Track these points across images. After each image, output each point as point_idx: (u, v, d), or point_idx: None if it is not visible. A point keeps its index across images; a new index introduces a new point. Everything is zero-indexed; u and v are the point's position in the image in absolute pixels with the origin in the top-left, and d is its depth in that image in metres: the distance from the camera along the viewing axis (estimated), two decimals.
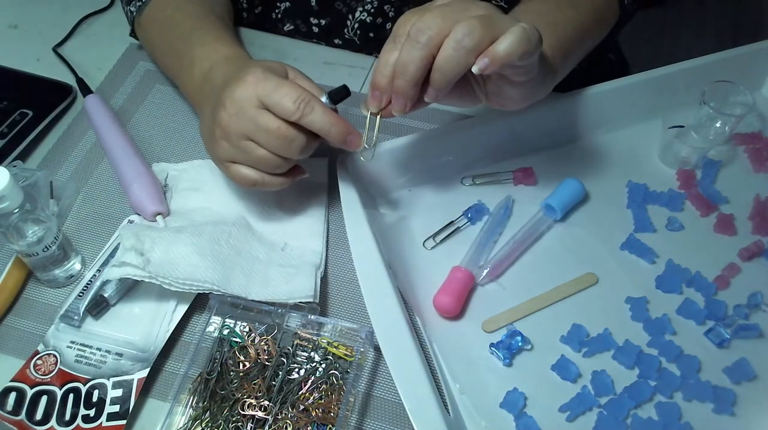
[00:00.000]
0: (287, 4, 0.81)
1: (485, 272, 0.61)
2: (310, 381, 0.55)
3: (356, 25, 0.79)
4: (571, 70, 0.91)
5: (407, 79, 0.50)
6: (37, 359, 0.57)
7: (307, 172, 0.61)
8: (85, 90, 0.75)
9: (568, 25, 0.63)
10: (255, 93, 0.53)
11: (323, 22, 0.81)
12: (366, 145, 0.56)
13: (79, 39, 0.85)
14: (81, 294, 0.60)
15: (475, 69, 0.48)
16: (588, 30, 0.66)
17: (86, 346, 0.58)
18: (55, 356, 0.57)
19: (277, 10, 0.83)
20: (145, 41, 0.76)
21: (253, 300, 0.57)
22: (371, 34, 0.80)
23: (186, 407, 0.54)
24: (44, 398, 0.55)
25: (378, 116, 0.55)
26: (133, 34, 0.78)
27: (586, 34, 0.66)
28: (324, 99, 0.56)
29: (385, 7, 0.78)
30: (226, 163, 0.58)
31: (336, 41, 0.83)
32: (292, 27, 0.83)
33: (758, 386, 0.56)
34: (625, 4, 0.71)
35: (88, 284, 0.60)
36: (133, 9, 0.75)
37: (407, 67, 0.49)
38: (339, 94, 0.56)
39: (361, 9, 0.78)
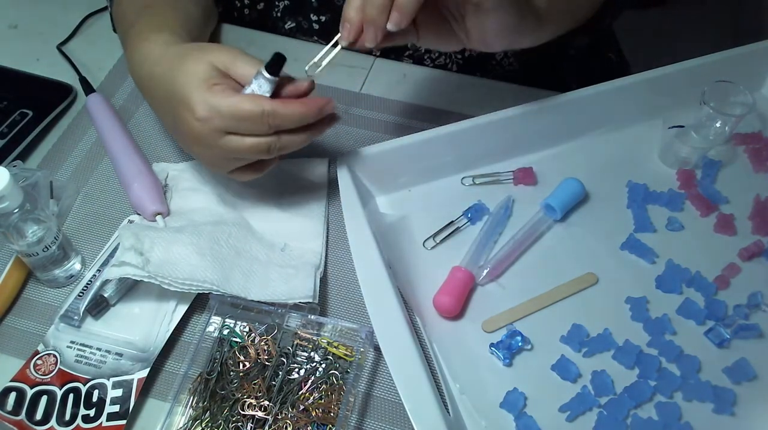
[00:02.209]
0: (286, 2, 0.81)
1: (485, 272, 0.61)
2: (310, 381, 0.55)
3: None
4: (571, 70, 0.91)
5: (376, 6, 0.50)
6: (37, 359, 0.57)
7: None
8: (88, 89, 0.75)
9: None
10: (216, 128, 0.53)
11: (323, 18, 0.81)
12: (315, 62, 0.56)
13: (80, 38, 0.85)
14: (81, 294, 0.60)
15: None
16: None
17: (86, 346, 0.58)
18: (55, 356, 0.57)
19: (276, 9, 0.83)
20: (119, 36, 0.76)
21: (252, 300, 0.57)
22: None
23: (186, 407, 0.54)
24: (44, 398, 0.55)
25: (337, 47, 0.54)
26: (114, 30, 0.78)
27: None
28: (262, 74, 0.53)
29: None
30: (228, 174, 0.59)
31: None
32: (293, 25, 0.83)
33: (758, 386, 0.56)
34: None
35: (88, 284, 0.60)
36: (108, 2, 0.74)
37: None
38: (276, 65, 0.53)
39: None
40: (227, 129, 0.53)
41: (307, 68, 0.56)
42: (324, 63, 0.56)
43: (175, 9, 0.69)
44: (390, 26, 0.51)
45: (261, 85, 0.53)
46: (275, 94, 0.54)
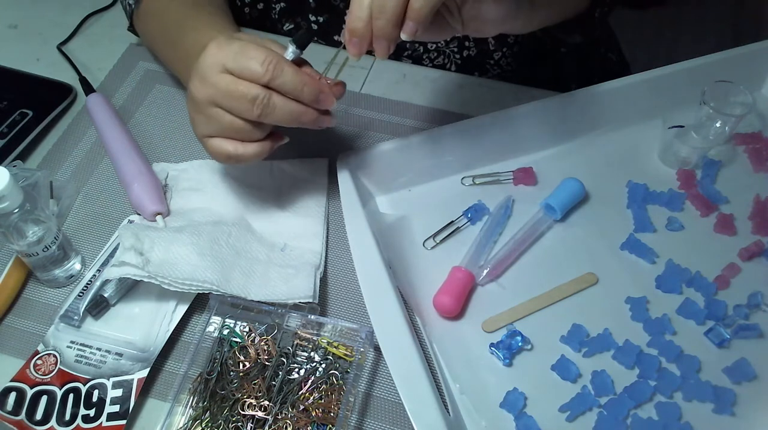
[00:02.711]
0: (282, 4, 0.82)
1: (485, 272, 0.61)
2: (310, 381, 0.55)
3: None
4: (571, 70, 0.91)
5: (387, 18, 0.47)
6: (37, 359, 0.57)
7: (286, 138, 0.58)
8: (88, 89, 0.75)
9: None
10: (217, 59, 0.52)
11: (321, 19, 0.81)
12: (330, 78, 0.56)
13: (80, 38, 0.85)
14: (81, 294, 0.60)
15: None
16: None
17: (86, 346, 0.58)
18: (55, 356, 0.57)
19: (273, 11, 0.83)
20: (143, 34, 0.76)
21: (252, 300, 0.57)
22: None
23: (186, 407, 0.54)
24: (44, 398, 0.55)
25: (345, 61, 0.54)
26: (131, 28, 0.78)
27: None
28: (291, 49, 0.53)
29: None
30: (203, 139, 0.56)
31: (336, 38, 0.83)
32: (292, 26, 0.83)
33: (758, 386, 0.56)
34: None
35: (88, 284, 0.60)
36: (131, 2, 0.75)
37: (386, 5, 0.47)
38: (303, 38, 0.53)
39: None
40: (229, 64, 0.51)
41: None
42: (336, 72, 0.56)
43: (225, 11, 0.72)
44: (404, 36, 0.49)
45: (287, 53, 0.54)
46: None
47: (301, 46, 0.53)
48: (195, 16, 0.67)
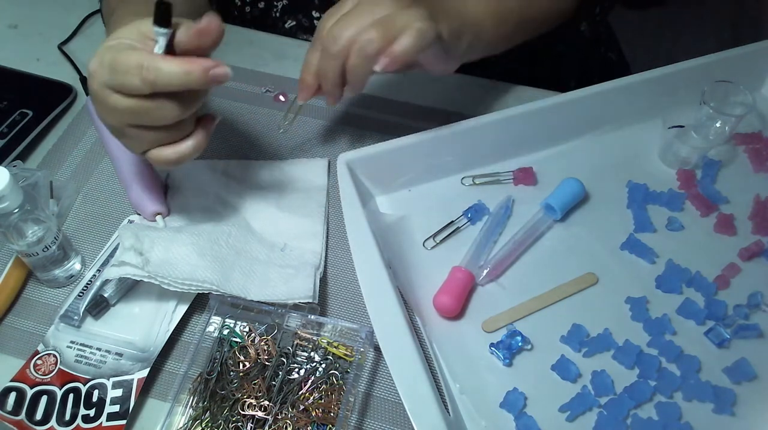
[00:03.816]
0: (284, 1, 0.81)
1: (485, 272, 0.61)
2: (310, 381, 0.55)
3: None
4: (571, 70, 0.91)
5: (329, 84, 0.57)
6: (37, 359, 0.57)
7: (218, 116, 0.56)
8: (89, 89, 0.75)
9: None
10: (101, 82, 0.49)
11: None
12: (286, 124, 0.66)
13: (80, 38, 0.85)
14: (81, 294, 0.60)
15: (377, 68, 0.53)
16: (533, 3, 0.69)
17: (86, 346, 0.58)
18: (55, 356, 0.57)
19: (275, 9, 0.83)
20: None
21: (252, 300, 0.57)
22: None
23: (186, 407, 0.54)
24: (44, 398, 0.55)
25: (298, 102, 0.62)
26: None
27: (530, 8, 0.69)
28: (159, 36, 0.48)
29: None
30: (143, 155, 0.54)
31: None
32: (294, 23, 0.83)
33: (758, 386, 0.56)
34: None
35: (88, 284, 0.60)
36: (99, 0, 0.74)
37: (327, 75, 0.56)
38: (163, 15, 0.48)
39: None
40: (108, 83, 0.49)
41: (281, 130, 0.66)
42: (293, 119, 0.67)
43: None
44: (347, 94, 0.58)
45: (157, 43, 0.48)
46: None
47: (165, 24, 0.48)
48: (127, 4, 0.63)
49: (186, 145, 0.54)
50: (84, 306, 0.58)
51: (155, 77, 0.47)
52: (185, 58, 0.48)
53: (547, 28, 0.74)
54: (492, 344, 0.58)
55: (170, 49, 0.49)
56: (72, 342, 0.58)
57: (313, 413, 0.53)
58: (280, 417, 0.53)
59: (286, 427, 0.53)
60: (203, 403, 0.54)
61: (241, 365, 0.56)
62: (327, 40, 0.55)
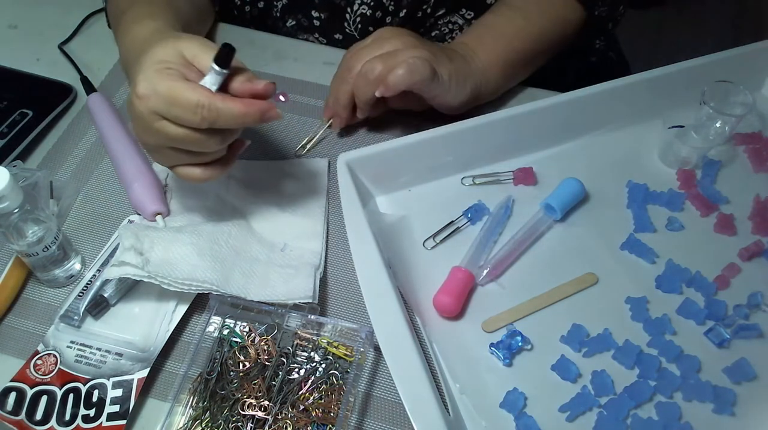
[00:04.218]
0: (284, 1, 0.81)
1: (485, 272, 0.61)
2: (310, 381, 0.55)
3: (358, 19, 0.80)
4: (571, 70, 0.91)
5: (340, 106, 0.69)
6: (37, 359, 0.57)
7: (248, 142, 0.59)
8: (89, 88, 0.75)
9: (515, 37, 0.73)
10: (151, 109, 0.51)
11: (323, 15, 0.81)
12: (300, 149, 0.72)
13: (80, 38, 0.85)
14: (81, 294, 0.60)
15: (377, 94, 0.64)
16: (541, 39, 0.75)
17: (86, 346, 0.58)
18: (55, 356, 0.57)
19: (275, 9, 0.83)
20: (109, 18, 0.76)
21: (252, 300, 0.57)
22: (371, 28, 0.80)
23: (186, 407, 0.54)
24: (44, 398, 0.55)
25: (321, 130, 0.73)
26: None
27: (537, 44, 0.74)
28: (215, 73, 0.51)
29: (384, 0, 0.78)
30: (171, 168, 0.57)
31: (336, 36, 0.83)
32: (294, 22, 0.83)
33: (758, 386, 0.56)
34: (596, 14, 0.76)
35: (88, 284, 0.60)
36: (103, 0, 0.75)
37: (338, 98, 0.69)
38: (227, 57, 0.51)
39: (360, 2, 0.78)
40: (162, 113, 0.51)
41: (296, 153, 0.71)
42: (312, 144, 0.73)
43: (168, 3, 0.69)
44: (358, 115, 0.71)
45: (211, 77, 0.51)
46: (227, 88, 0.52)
47: (225, 65, 0.51)
48: (137, 4, 0.65)
49: (215, 168, 0.57)
50: (84, 306, 0.58)
51: (215, 118, 0.50)
52: (243, 100, 0.52)
53: (558, 52, 0.78)
54: (492, 344, 0.58)
55: (221, 86, 0.52)
56: (72, 342, 0.58)
57: (313, 413, 0.53)
58: (280, 417, 0.53)
59: (286, 427, 0.53)
60: (203, 403, 0.54)
61: (241, 365, 0.56)
62: (343, 67, 0.67)
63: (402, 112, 0.75)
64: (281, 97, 0.79)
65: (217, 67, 0.51)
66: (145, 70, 0.51)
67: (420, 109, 0.72)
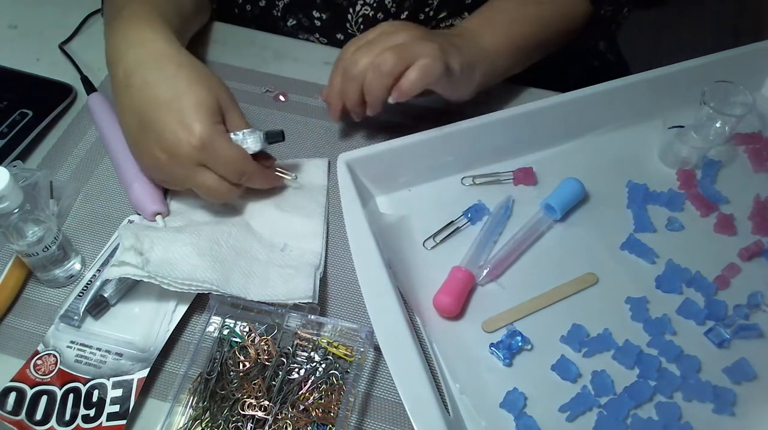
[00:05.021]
0: (285, 0, 0.81)
1: (485, 272, 0.62)
2: (310, 381, 0.55)
3: (360, 20, 0.80)
4: (571, 70, 0.91)
5: (351, 103, 0.65)
6: (37, 359, 0.57)
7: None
8: (89, 88, 0.75)
9: (524, 21, 0.72)
10: (197, 158, 0.57)
11: (324, 15, 0.81)
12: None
13: (81, 38, 0.85)
14: (81, 294, 0.60)
15: (390, 100, 0.62)
16: (549, 27, 0.74)
17: (86, 346, 0.58)
18: (55, 356, 0.57)
19: (276, 9, 0.83)
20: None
21: (252, 300, 0.57)
22: None
23: (186, 407, 0.54)
24: (44, 398, 0.55)
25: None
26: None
27: (545, 32, 0.73)
28: (260, 137, 0.61)
29: (386, 2, 0.78)
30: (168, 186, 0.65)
31: (338, 36, 0.83)
32: (294, 22, 0.83)
33: (758, 386, 0.56)
34: (602, 12, 0.76)
35: (88, 284, 0.60)
36: None
37: (348, 95, 0.64)
38: (275, 138, 0.62)
39: (362, 2, 0.78)
40: (207, 163, 0.58)
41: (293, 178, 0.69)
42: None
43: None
44: (368, 113, 0.65)
45: (253, 142, 0.60)
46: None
47: (270, 142, 0.62)
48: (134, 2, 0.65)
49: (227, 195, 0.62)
50: (84, 306, 0.58)
51: (248, 182, 0.62)
52: (271, 174, 0.65)
53: (560, 47, 0.77)
54: (492, 344, 0.58)
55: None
56: (72, 342, 0.58)
57: (313, 413, 0.53)
58: (280, 417, 0.53)
59: (286, 427, 0.53)
60: (203, 403, 0.54)
61: (241, 365, 0.56)
62: (348, 63, 0.62)
63: (402, 113, 0.75)
64: (281, 97, 0.79)
65: (264, 142, 0.61)
66: (200, 119, 0.57)
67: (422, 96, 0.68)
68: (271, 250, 0.63)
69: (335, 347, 0.56)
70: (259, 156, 0.63)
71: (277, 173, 0.65)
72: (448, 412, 0.53)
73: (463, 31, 0.69)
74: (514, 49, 0.71)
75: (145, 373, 0.56)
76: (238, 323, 0.57)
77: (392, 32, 0.62)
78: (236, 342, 0.57)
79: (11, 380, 0.56)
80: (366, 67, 0.61)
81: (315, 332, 0.57)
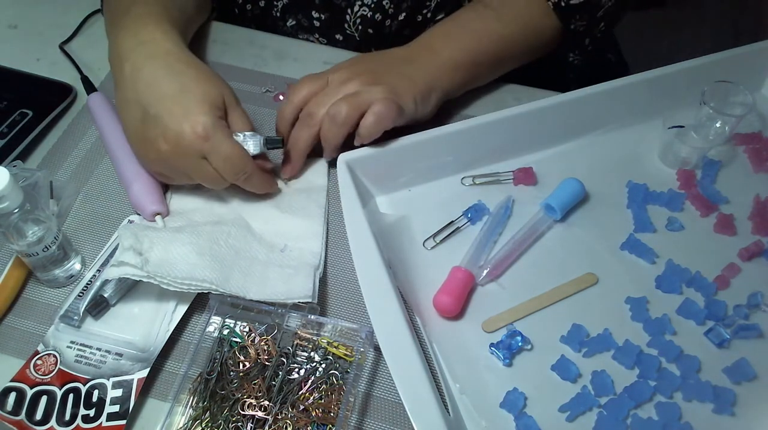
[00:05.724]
0: (285, 0, 0.81)
1: (485, 272, 0.61)
2: (310, 381, 0.55)
3: (358, 20, 0.80)
4: (572, 71, 0.91)
5: (297, 150, 0.67)
6: (37, 359, 0.57)
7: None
8: (90, 88, 0.75)
9: (485, 37, 0.71)
10: (200, 148, 0.58)
11: (323, 16, 0.81)
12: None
13: (81, 38, 0.85)
14: (81, 294, 0.60)
15: (355, 143, 0.64)
16: (512, 43, 0.73)
17: (86, 346, 0.58)
18: (55, 356, 0.57)
19: (275, 9, 0.83)
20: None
21: (252, 300, 0.57)
22: (370, 30, 0.80)
23: (186, 407, 0.54)
24: (44, 398, 0.55)
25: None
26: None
27: (508, 48, 0.73)
28: (260, 142, 0.62)
29: (384, 3, 0.78)
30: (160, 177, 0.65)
31: (337, 36, 0.83)
32: (294, 22, 0.83)
33: (758, 386, 0.56)
34: (572, 27, 0.75)
35: (88, 284, 0.60)
36: None
37: (297, 142, 0.66)
38: (274, 144, 0.63)
39: (360, 3, 0.78)
40: (208, 156, 0.59)
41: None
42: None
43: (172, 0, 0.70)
44: (325, 157, 0.69)
45: (253, 145, 0.62)
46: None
47: (269, 148, 0.63)
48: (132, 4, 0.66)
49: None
50: (84, 306, 0.58)
51: (246, 183, 0.63)
52: (270, 178, 0.66)
53: (529, 61, 0.76)
54: (492, 344, 0.58)
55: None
56: (72, 342, 0.58)
57: (313, 413, 0.53)
58: (280, 417, 0.53)
59: (286, 427, 0.53)
60: (203, 403, 0.54)
61: (241, 365, 0.56)
62: (304, 113, 0.65)
63: None
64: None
65: (263, 146, 0.62)
66: (204, 112, 0.58)
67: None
68: (271, 250, 0.63)
69: (335, 347, 0.56)
70: (259, 160, 0.63)
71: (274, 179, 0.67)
72: (448, 412, 0.53)
73: (419, 50, 0.70)
74: (473, 65, 0.71)
75: (145, 373, 0.56)
76: (238, 323, 0.57)
77: (344, 81, 0.65)
78: (236, 342, 0.57)
79: (11, 380, 0.56)
80: (322, 118, 0.64)
81: (315, 332, 0.57)
